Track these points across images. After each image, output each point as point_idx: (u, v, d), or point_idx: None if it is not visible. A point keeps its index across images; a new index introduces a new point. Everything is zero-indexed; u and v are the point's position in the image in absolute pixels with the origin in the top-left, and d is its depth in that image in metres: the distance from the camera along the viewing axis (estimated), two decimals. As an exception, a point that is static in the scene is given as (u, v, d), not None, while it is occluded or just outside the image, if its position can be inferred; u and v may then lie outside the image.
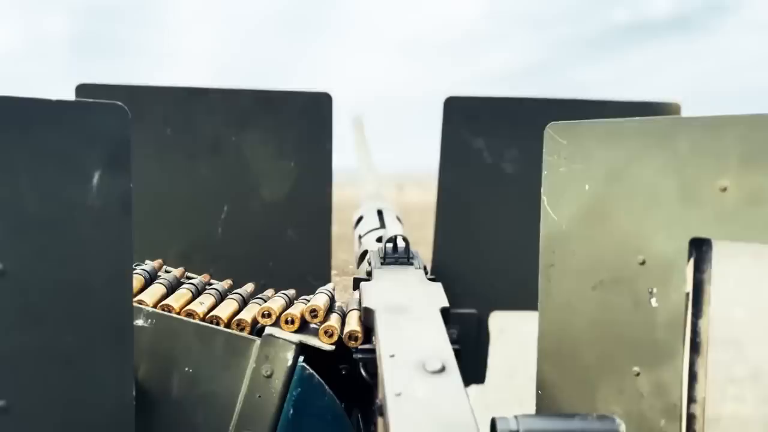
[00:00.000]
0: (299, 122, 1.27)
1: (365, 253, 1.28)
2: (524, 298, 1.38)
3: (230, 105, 1.26)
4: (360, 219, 1.42)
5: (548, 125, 0.94)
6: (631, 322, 0.85)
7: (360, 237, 1.33)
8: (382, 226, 1.35)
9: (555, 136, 0.93)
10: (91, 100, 0.72)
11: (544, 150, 0.94)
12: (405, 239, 1.07)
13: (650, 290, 0.83)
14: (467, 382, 1.37)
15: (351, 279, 1.47)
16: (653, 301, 0.83)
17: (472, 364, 1.35)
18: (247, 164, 1.28)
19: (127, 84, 1.23)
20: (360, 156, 1.87)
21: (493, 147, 1.29)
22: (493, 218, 1.32)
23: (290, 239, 1.30)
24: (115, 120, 0.71)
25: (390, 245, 1.08)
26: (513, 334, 1.35)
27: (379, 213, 1.41)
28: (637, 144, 0.84)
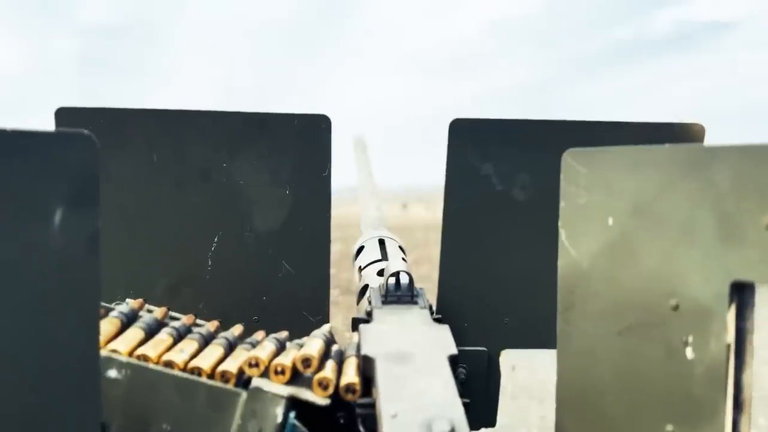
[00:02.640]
0: (295, 147, 1.19)
1: (366, 288, 1.19)
2: (538, 335, 1.29)
3: (221, 129, 1.17)
4: (360, 249, 1.33)
5: (566, 152, 0.85)
6: (663, 374, 0.75)
7: (360, 269, 1.24)
8: (384, 257, 1.26)
9: (574, 163, 0.84)
10: (53, 129, 0.63)
11: (561, 178, 0.85)
12: (409, 275, 0.98)
13: (685, 339, 0.73)
14: (476, 425, 1.27)
15: (354, 297, 1.38)
16: (689, 351, 0.73)
17: (482, 406, 1.25)
18: (240, 192, 1.19)
19: (110, 107, 1.15)
20: (362, 179, 1.78)
21: (502, 172, 1.20)
22: (503, 249, 1.23)
23: (286, 272, 1.21)
24: (81, 151, 0.63)
25: (392, 281, 0.99)
26: (526, 374, 1.25)
27: (381, 243, 1.32)
28: (668, 174, 0.76)
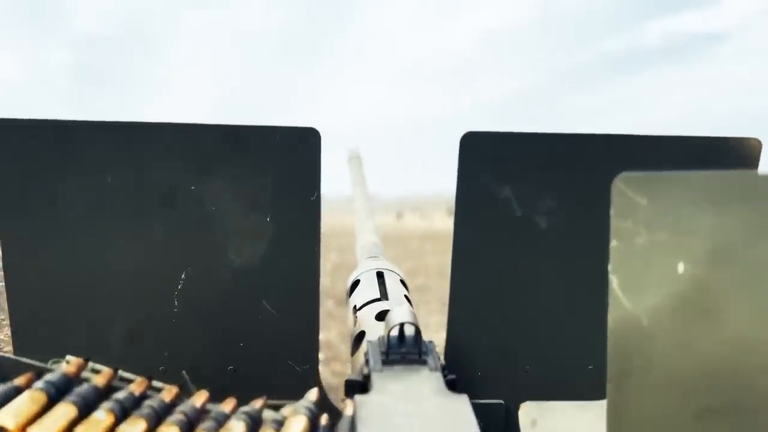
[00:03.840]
0: (278, 166, 1.00)
1: (362, 336, 1.00)
2: (563, 385, 1.09)
3: (189, 145, 0.98)
4: (355, 284, 1.13)
5: (619, 177, 0.66)
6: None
7: (355, 309, 1.05)
8: (384, 296, 1.07)
9: (629, 192, 0.66)
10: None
11: (612, 211, 0.67)
12: (416, 327, 0.79)
13: (793, 431, 0.55)
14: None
15: (349, 310, 1.19)
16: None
17: None
18: (211, 220, 1.00)
19: (55, 119, 0.96)
20: (357, 197, 1.59)
21: (523, 196, 1.01)
22: (524, 285, 1.04)
23: (267, 314, 1.02)
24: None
25: (395, 333, 0.80)
26: (549, 429, 1.06)
27: (380, 276, 1.13)
28: (761, 209, 0.57)
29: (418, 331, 0.79)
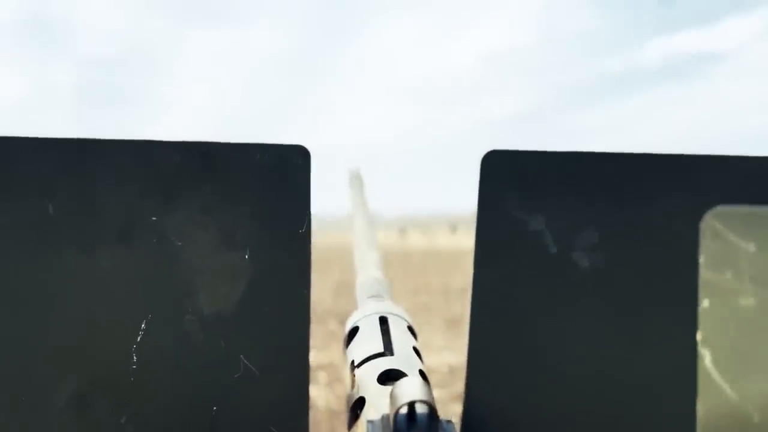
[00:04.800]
0: (259, 191, 0.82)
1: (361, 402, 0.81)
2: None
3: (151, 167, 0.80)
4: (354, 332, 0.95)
5: (711, 212, 0.49)
6: None
7: (353, 366, 0.87)
8: (388, 349, 0.88)
9: (727, 233, 0.48)
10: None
11: (701, 259, 0.49)
12: (430, 405, 0.61)
13: None
14: None
15: (346, 365, 1.01)
16: None
17: None
18: (177, 257, 0.82)
19: (-16, 135, 0.79)
20: (358, 225, 1.40)
21: (559, 227, 0.83)
22: (559, 339, 0.85)
23: (246, 373, 0.84)
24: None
25: (404, 412, 0.62)
26: None
27: (383, 323, 0.95)
28: None
29: (432, 411, 0.61)
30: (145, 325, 0.83)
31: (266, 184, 0.81)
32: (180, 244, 0.81)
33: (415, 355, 0.84)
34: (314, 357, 7.44)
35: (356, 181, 1.62)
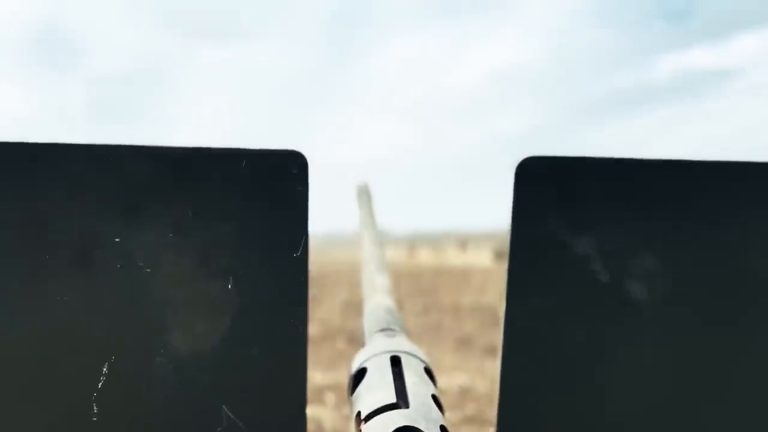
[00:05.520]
0: (245, 207, 0.68)
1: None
2: None
3: (113, 177, 0.66)
4: (360, 374, 0.79)
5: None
6: None
7: (360, 419, 0.72)
8: (401, 398, 0.73)
9: None
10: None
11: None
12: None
13: None
14: None
15: (352, 417, 0.86)
16: None
17: None
18: (146, 287, 0.68)
19: None
20: (366, 244, 1.26)
21: (610, 250, 0.68)
22: (608, 387, 0.70)
23: (230, 427, 0.69)
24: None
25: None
26: None
27: (395, 363, 0.79)
28: None
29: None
30: (108, 368, 0.68)
31: (254, 198, 0.67)
32: (149, 270, 0.67)
33: (434, 406, 0.69)
34: (321, 377, 7.27)
35: (364, 195, 1.47)
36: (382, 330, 0.90)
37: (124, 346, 0.68)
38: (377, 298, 0.99)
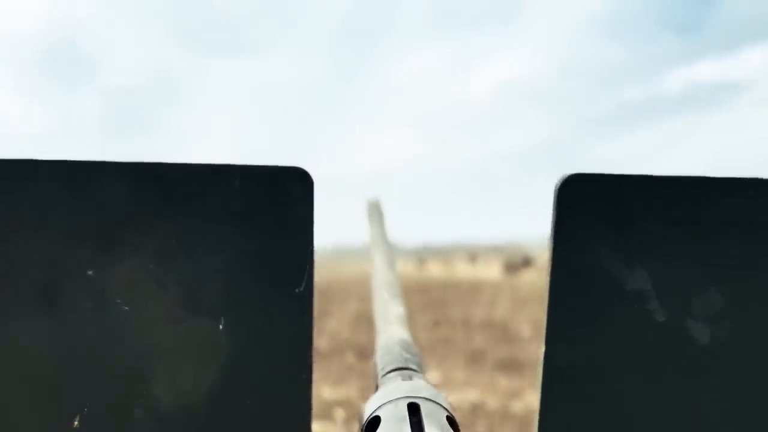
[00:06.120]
0: (240, 233, 0.59)
1: None
2: None
3: (84, 199, 0.57)
4: (373, 424, 0.69)
5: None
6: None
7: None
8: None
9: None
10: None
11: None
12: None
13: None
14: None
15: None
16: None
17: None
18: (122, 327, 0.58)
19: None
20: (379, 266, 1.16)
21: (668, 286, 0.58)
22: None
23: None
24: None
25: None
26: None
27: (413, 411, 0.69)
28: None
29: None
30: (80, 421, 0.58)
31: (250, 224, 0.57)
32: (127, 308, 0.57)
33: None
34: (330, 392, 7.16)
35: (375, 212, 1.38)
36: (398, 369, 0.79)
37: (99, 397, 0.58)
38: (391, 331, 0.89)
